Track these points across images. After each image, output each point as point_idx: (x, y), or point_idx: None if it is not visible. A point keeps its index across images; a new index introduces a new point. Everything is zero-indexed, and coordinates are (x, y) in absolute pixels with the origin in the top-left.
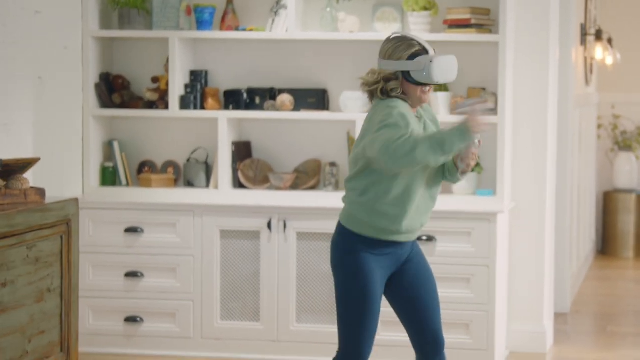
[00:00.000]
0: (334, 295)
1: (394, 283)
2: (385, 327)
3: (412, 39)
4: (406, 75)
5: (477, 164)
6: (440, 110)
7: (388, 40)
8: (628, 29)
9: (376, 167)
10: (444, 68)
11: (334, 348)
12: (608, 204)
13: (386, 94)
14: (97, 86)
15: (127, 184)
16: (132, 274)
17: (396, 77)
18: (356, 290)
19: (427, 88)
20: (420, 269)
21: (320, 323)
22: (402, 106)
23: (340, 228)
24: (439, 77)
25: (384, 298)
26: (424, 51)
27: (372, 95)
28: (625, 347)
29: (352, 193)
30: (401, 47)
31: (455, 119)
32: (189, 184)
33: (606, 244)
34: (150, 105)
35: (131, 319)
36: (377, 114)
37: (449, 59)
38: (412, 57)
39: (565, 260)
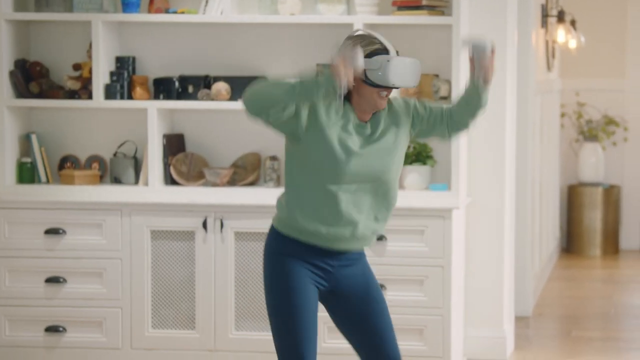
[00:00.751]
0: None
1: (337, 306)
2: (330, 334)
3: (374, 37)
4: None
5: (430, 157)
6: None
7: (348, 37)
8: (592, 10)
9: (287, 150)
10: (402, 70)
11: (275, 357)
12: (573, 199)
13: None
14: (12, 74)
15: (47, 181)
16: (53, 280)
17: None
18: (283, 295)
19: (385, 92)
20: (365, 289)
21: (261, 330)
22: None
23: (270, 227)
24: (395, 79)
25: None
26: (385, 51)
27: None
28: (591, 352)
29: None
30: (362, 43)
31: None
32: (116, 180)
33: (571, 242)
34: (72, 94)
35: (53, 329)
36: None
37: (410, 62)
38: (370, 55)
39: (527, 259)
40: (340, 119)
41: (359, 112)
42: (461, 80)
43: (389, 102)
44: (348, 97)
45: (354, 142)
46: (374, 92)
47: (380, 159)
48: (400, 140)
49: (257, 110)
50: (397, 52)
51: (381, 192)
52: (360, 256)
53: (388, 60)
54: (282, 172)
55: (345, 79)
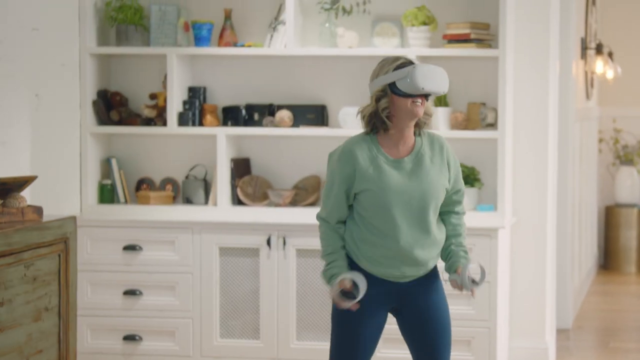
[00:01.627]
0: None
1: (404, 319)
2: (385, 345)
3: (399, 56)
4: (393, 88)
5: (477, 179)
6: (440, 126)
7: (377, 64)
8: (628, 43)
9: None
10: (428, 75)
11: None
12: (610, 219)
13: (372, 124)
14: (94, 103)
15: (125, 202)
16: (130, 292)
17: (385, 93)
18: (346, 323)
19: (419, 100)
20: (426, 310)
21: (321, 340)
22: (355, 147)
23: None
24: (423, 83)
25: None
26: (410, 63)
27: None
28: None
29: None
30: (387, 63)
31: (456, 134)
32: (188, 201)
33: (608, 259)
34: (148, 122)
35: (130, 338)
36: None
37: (434, 67)
38: (397, 68)
39: (567, 275)
40: (375, 162)
41: (392, 147)
42: (507, 108)
43: (431, 137)
44: (376, 132)
45: (391, 183)
46: (407, 101)
47: (422, 189)
48: (437, 169)
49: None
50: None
51: (423, 223)
52: (430, 275)
53: (414, 67)
54: None
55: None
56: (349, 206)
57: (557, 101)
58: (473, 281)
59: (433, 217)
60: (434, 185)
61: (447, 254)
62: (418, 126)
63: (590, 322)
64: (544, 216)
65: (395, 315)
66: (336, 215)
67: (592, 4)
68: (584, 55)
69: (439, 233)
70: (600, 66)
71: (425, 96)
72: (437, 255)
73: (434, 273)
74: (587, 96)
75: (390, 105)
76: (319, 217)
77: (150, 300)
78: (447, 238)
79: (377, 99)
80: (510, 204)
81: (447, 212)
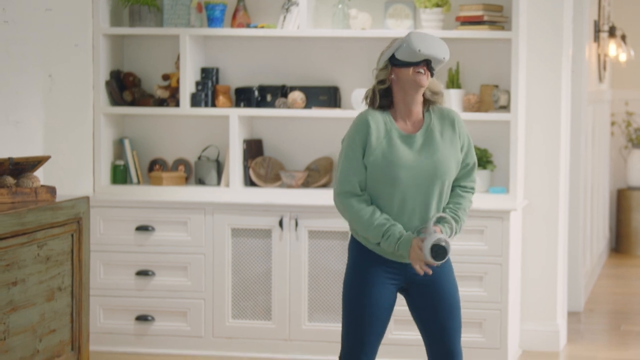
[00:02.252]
0: None
1: (413, 299)
2: (397, 326)
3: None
4: (393, 61)
5: (490, 162)
6: (452, 108)
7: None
8: None
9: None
10: (424, 39)
11: None
12: (622, 202)
13: (373, 100)
14: (107, 84)
15: (138, 182)
16: (143, 273)
17: (387, 69)
18: (358, 292)
19: (421, 69)
20: (439, 286)
21: (332, 322)
22: (369, 116)
23: (350, 235)
24: (420, 45)
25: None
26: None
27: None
28: (639, 345)
29: None
30: (388, 45)
31: (469, 116)
32: (200, 182)
33: (620, 242)
34: (161, 102)
35: (142, 318)
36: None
37: (430, 34)
38: (400, 46)
39: (579, 258)
40: (388, 136)
41: (402, 120)
42: (520, 90)
43: (441, 111)
44: (388, 106)
45: (403, 157)
46: (409, 70)
47: (433, 164)
48: (448, 143)
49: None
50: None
51: (437, 197)
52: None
53: (409, 34)
54: None
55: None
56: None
57: (570, 84)
58: (435, 251)
59: (445, 190)
60: (445, 162)
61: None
62: (427, 105)
63: (602, 305)
64: (556, 199)
65: (404, 295)
66: (360, 181)
67: None
68: (597, 38)
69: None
70: (613, 49)
71: (427, 66)
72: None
73: None
74: (600, 79)
75: (395, 81)
76: (340, 193)
77: (163, 281)
78: (446, 204)
79: (378, 78)
80: (522, 187)
81: (455, 186)
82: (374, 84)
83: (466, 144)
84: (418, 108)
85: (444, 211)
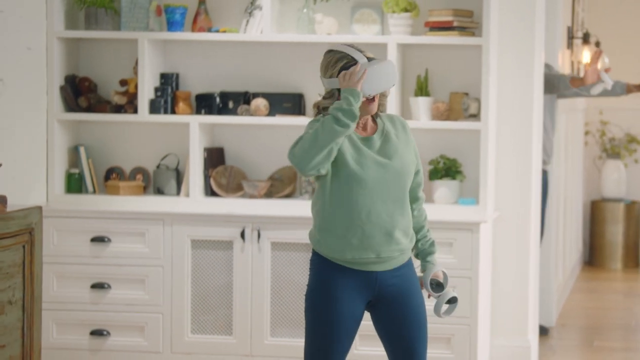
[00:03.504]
0: None
1: (379, 313)
2: (362, 342)
3: (342, 52)
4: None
5: (459, 172)
6: (420, 116)
7: (324, 55)
8: (616, 32)
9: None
10: (375, 78)
11: None
12: (595, 214)
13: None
14: (62, 89)
15: (94, 191)
16: (98, 285)
17: (332, 94)
18: (321, 308)
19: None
20: (406, 299)
21: (296, 337)
22: None
23: (312, 249)
24: (370, 90)
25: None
26: (354, 62)
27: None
28: None
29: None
30: (331, 62)
31: (438, 125)
32: (159, 191)
33: (593, 255)
34: (118, 109)
35: (97, 333)
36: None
37: (379, 68)
38: (343, 68)
39: (551, 271)
40: (349, 140)
41: (358, 129)
42: (490, 98)
43: (390, 117)
44: None
45: (366, 156)
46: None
47: (395, 166)
48: (406, 147)
49: (317, 162)
50: (368, 58)
51: (399, 200)
52: (404, 267)
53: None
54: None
55: (356, 79)
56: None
57: (542, 92)
58: (438, 284)
59: (405, 197)
60: (406, 161)
61: (416, 252)
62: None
63: (574, 320)
64: (528, 210)
65: (370, 310)
66: None
67: None
68: (570, 44)
69: (409, 208)
70: (587, 56)
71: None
72: (410, 238)
73: (409, 265)
74: None
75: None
76: (291, 150)
77: (119, 294)
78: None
79: (322, 105)
80: (492, 198)
81: (412, 199)
82: (319, 100)
83: (415, 149)
84: (369, 119)
85: (415, 243)
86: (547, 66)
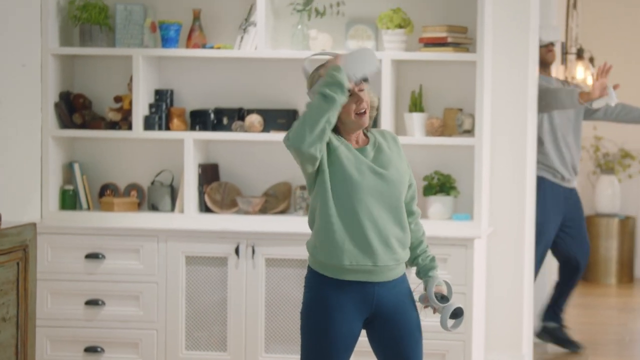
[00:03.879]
0: None
1: (375, 329)
2: (356, 358)
3: (322, 59)
4: None
5: (453, 187)
6: (415, 132)
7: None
8: (610, 48)
9: (313, 192)
10: (355, 62)
11: None
12: (590, 229)
13: None
14: (56, 105)
15: (88, 208)
16: (92, 302)
17: None
18: (318, 332)
19: (356, 99)
20: (399, 321)
21: (290, 353)
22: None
23: (308, 265)
24: (353, 73)
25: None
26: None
27: None
28: None
29: None
30: (315, 73)
31: (432, 141)
32: (153, 207)
33: (588, 270)
34: (113, 125)
35: (91, 350)
36: None
37: (358, 53)
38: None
39: (545, 287)
40: (339, 149)
41: (351, 141)
42: (485, 114)
43: (380, 131)
44: (338, 130)
45: (363, 163)
46: (350, 111)
47: (390, 175)
48: (399, 158)
49: (311, 140)
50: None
51: (394, 210)
52: (400, 282)
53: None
54: None
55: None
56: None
57: (536, 108)
58: (442, 297)
59: (402, 203)
60: (400, 171)
61: (417, 269)
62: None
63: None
64: (522, 226)
65: (366, 326)
66: None
67: (573, 8)
68: (564, 60)
69: (406, 219)
70: (580, 72)
71: (364, 83)
72: (407, 251)
73: (403, 280)
74: None
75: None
76: (286, 136)
77: (113, 311)
78: (411, 247)
79: None
80: (487, 213)
81: (408, 214)
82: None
83: (408, 164)
84: (359, 133)
85: (415, 260)
86: (548, 80)
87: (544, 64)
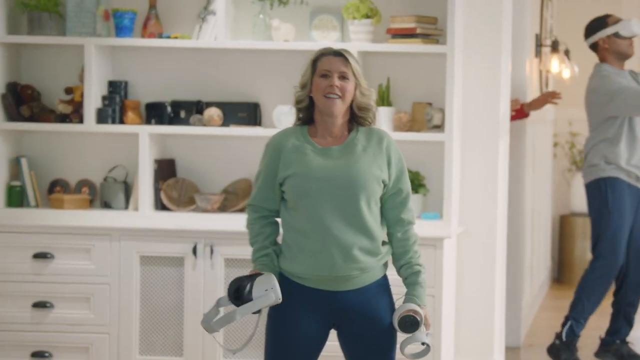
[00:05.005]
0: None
1: (343, 332)
2: None
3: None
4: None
5: (422, 185)
6: (382, 127)
7: None
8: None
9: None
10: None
11: None
12: (564, 229)
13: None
14: (3, 97)
15: (36, 205)
16: (40, 304)
17: (305, 86)
18: (277, 331)
19: (329, 90)
20: (368, 328)
21: (249, 357)
22: (278, 137)
23: None
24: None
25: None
26: (326, 52)
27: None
28: None
29: None
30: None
31: (400, 136)
32: (106, 205)
33: (562, 272)
34: (63, 118)
35: (39, 355)
36: None
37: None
38: (313, 64)
39: (518, 289)
40: (299, 151)
41: (322, 136)
42: (455, 108)
43: (370, 130)
44: (313, 120)
45: (319, 168)
46: (320, 94)
47: (345, 181)
48: (370, 158)
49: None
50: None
51: (354, 217)
52: (371, 288)
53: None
54: None
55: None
56: (277, 199)
57: (509, 101)
58: (412, 324)
59: (366, 208)
60: (362, 173)
61: (402, 280)
62: (355, 123)
63: (542, 340)
64: (494, 225)
65: (336, 330)
66: (262, 200)
67: None
68: (538, 53)
69: (376, 227)
70: (555, 65)
71: (343, 78)
72: (382, 258)
73: (379, 285)
74: None
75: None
76: (247, 204)
77: (63, 314)
78: (395, 257)
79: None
80: (457, 212)
81: (394, 222)
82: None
83: (396, 167)
84: (340, 127)
85: (399, 270)
86: (621, 74)
87: (621, 57)
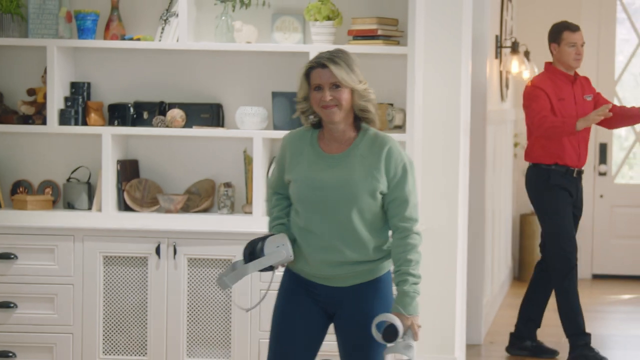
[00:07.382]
0: (231, 327)
1: (337, 328)
2: None
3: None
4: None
5: None
6: None
7: None
8: (546, 42)
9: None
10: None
11: None
12: (525, 228)
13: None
14: None
15: None
16: (3, 305)
17: (305, 99)
18: (276, 311)
19: (323, 100)
20: (359, 324)
21: (213, 357)
22: (289, 137)
23: None
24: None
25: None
26: (316, 64)
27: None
28: None
29: None
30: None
31: None
32: (69, 206)
33: (523, 270)
34: (26, 119)
35: (2, 355)
36: None
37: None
38: (306, 76)
39: (479, 287)
40: (303, 155)
41: (328, 141)
42: (416, 109)
43: (375, 137)
44: (319, 125)
45: (316, 176)
46: (316, 101)
47: (335, 190)
48: (365, 170)
49: None
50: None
51: (343, 225)
52: (367, 286)
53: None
54: (236, 199)
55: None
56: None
57: (470, 102)
58: (395, 332)
59: (357, 218)
60: (355, 187)
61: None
62: (360, 124)
63: (504, 337)
64: (455, 224)
65: (333, 320)
66: (277, 186)
67: (507, 0)
68: (498, 54)
69: (370, 235)
70: (515, 66)
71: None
72: (379, 262)
73: (378, 282)
74: (502, 98)
75: (308, 108)
76: (267, 185)
77: (26, 314)
78: (393, 262)
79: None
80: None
81: (392, 228)
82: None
83: (395, 175)
84: (345, 131)
85: (394, 274)
86: None
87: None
